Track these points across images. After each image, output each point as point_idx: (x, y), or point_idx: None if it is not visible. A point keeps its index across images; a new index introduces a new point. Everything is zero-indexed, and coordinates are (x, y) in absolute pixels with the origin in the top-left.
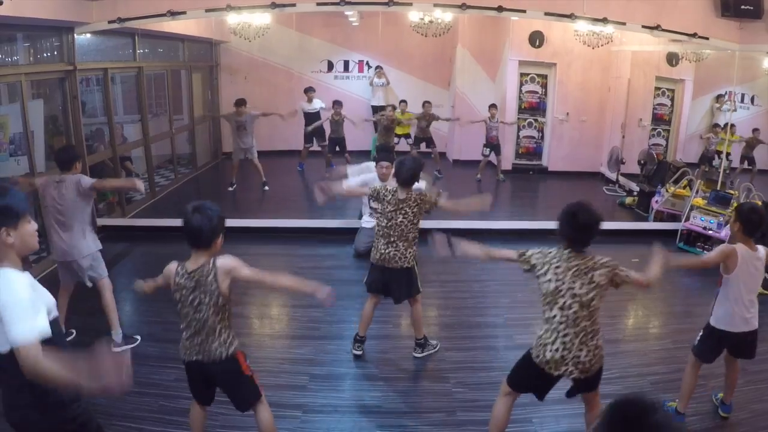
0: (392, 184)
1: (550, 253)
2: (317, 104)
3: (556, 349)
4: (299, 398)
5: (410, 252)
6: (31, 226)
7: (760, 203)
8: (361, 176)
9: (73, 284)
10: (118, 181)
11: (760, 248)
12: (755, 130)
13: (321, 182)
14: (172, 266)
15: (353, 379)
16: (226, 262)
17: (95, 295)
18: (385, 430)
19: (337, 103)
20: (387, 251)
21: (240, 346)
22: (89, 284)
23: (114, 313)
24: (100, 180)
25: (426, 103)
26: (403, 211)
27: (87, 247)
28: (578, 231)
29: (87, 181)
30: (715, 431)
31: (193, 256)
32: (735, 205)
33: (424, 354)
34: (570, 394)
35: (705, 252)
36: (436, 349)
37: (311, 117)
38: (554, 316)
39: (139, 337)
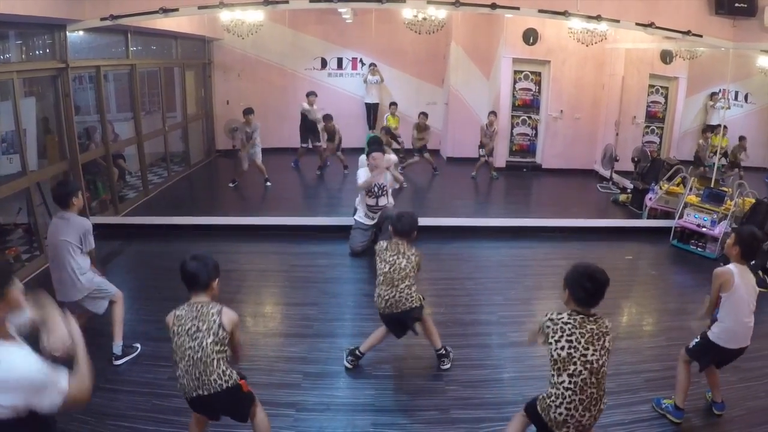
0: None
1: (560, 318)
2: (316, 112)
3: (560, 413)
4: (292, 396)
5: (414, 289)
6: (16, 288)
7: (754, 200)
8: (359, 171)
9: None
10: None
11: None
12: (742, 138)
13: None
14: (171, 313)
15: (346, 377)
16: (232, 315)
17: None
18: (378, 428)
19: (327, 118)
20: (392, 295)
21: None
22: (102, 312)
23: (120, 326)
24: (92, 256)
25: (421, 115)
26: (405, 256)
27: (83, 289)
28: (593, 295)
29: (90, 241)
30: (710, 428)
31: (193, 298)
32: (740, 201)
33: (449, 365)
34: None
35: (699, 249)
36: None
37: (308, 119)
38: (562, 382)
39: (138, 346)
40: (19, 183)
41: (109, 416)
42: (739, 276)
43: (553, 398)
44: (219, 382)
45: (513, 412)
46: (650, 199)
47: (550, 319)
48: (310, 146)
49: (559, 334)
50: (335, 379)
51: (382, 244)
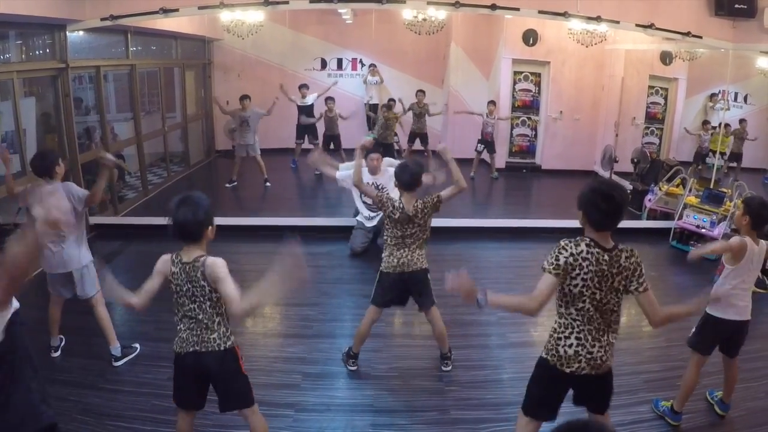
0: (395, 195)
1: (580, 252)
2: (311, 98)
3: (570, 344)
4: (292, 397)
5: (425, 253)
6: None
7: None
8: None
9: (65, 298)
10: (100, 180)
11: (763, 242)
12: (742, 120)
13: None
14: (166, 257)
15: (346, 378)
16: (215, 269)
17: None
18: (377, 429)
19: (330, 99)
20: (405, 255)
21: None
22: (81, 297)
23: (109, 328)
24: (92, 194)
25: (419, 92)
26: (415, 223)
27: (83, 257)
28: (609, 216)
29: (79, 192)
30: (709, 429)
31: (185, 249)
32: (739, 203)
33: (449, 367)
34: (577, 401)
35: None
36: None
37: (304, 110)
38: (570, 314)
39: (137, 346)
40: (19, 183)
41: (109, 416)
42: (749, 253)
43: (561, 329)
44: (218, 341)
45: (513, 413)
46: (650, 200)
47: (571, 254)
48: (306, 143)
49: (577, 270)
50: (335, 380)
51: (395, 212)
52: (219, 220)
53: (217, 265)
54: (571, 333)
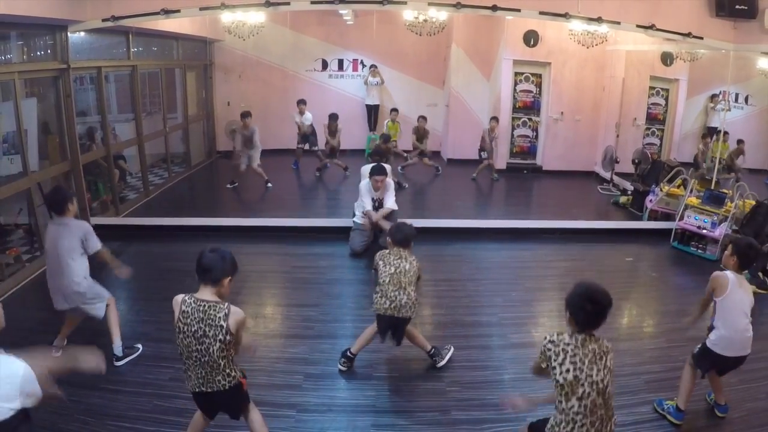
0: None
1: (561, 339)
2: (308, 118)
3: None
4: (293, 397)
5: (416, 299)
6: None
7: (754, 202)
8: (362, 189)
9: (80, 317)
10: (111, 259)
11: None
12: (740, 141)
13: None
14: (179, 297)
15: (347, 378)
16: (239, 316)
17: None
18: (379, 429)
19: (332, 117)
20: (400, 297)
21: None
22: (102, 315)
23: (116, 327)
24: (101, 256)
25: (420, 118)
26: (408, 261)
27: (83, 293)
28: (596, 316)
29: (93, 242)
30: (710, 429)
31: (201, 290)
32: (740, 203)
33: (446, 359)
34: None
35: (699, 251)
36: (451, 351)
37: (303, 131)
38: (571, 408)
39: (140, 346)
40: (20, 184)
41: (110, 417)
42: (734, 283)
43: (563, 425)
44: (223, 383)
45: (514, 414)
46: (651, 200)
47: (551, 341)
48: (306, 148)
49: (562, 356)
50: (336, 381)
51: (383, 251)
52: (220, 221)
53: (242, 313)
54: (573, 429)
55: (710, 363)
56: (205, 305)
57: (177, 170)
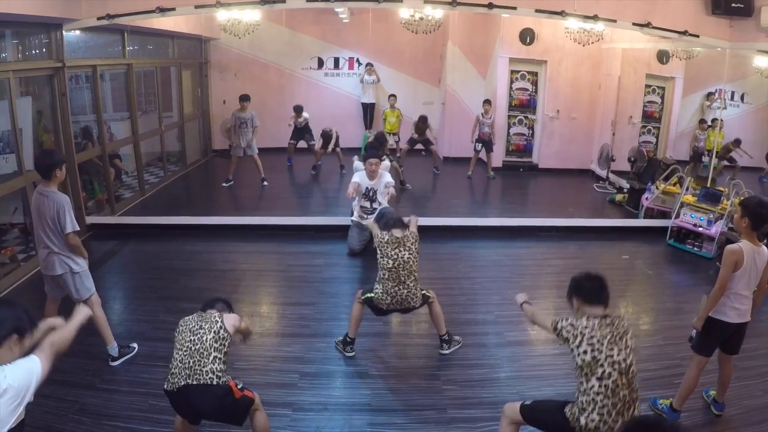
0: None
1: (580, 323)
2: (305, 116)
3: (592, 420)
4: (289, 396)
5: (419, 288)
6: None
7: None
8: (354, 176)
9: (61, 297)
10: (79, 248)
11: (764, 247)
12: (737, 140)
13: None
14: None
15: (343, 377)
16: (233, 320)
17: None
18: (375, 428)
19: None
20: (400, 292)
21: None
22: (76, 299)
23: (106, 328)
24: (71, 236)
25: (420, 119)
26: (405, 247)
27: (72, 263)
28: (599, 289)
29: (66, 220)
30: (707, 427)
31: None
32: (736, 201)
33: (451, 350)
34: None
35: (695, 248)
36: (459, 345)
37: (300, 128)
38: (592, 387)
39: (135, 345)
40: (15, 183)
41: (106, 416)
42: (748, 254)
43: (584, 405)
44: (210, 375)
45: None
46: (647, 198)
47: (572, 324)
48: (300, 145)
49: (580, 338)
50: (332, 379)
51: (383, 236)
52: (216, 220)
53: (233, 319)
54: (594, 409)
55: (715, 339)
56: (206, 314)
57: (172, 169)
